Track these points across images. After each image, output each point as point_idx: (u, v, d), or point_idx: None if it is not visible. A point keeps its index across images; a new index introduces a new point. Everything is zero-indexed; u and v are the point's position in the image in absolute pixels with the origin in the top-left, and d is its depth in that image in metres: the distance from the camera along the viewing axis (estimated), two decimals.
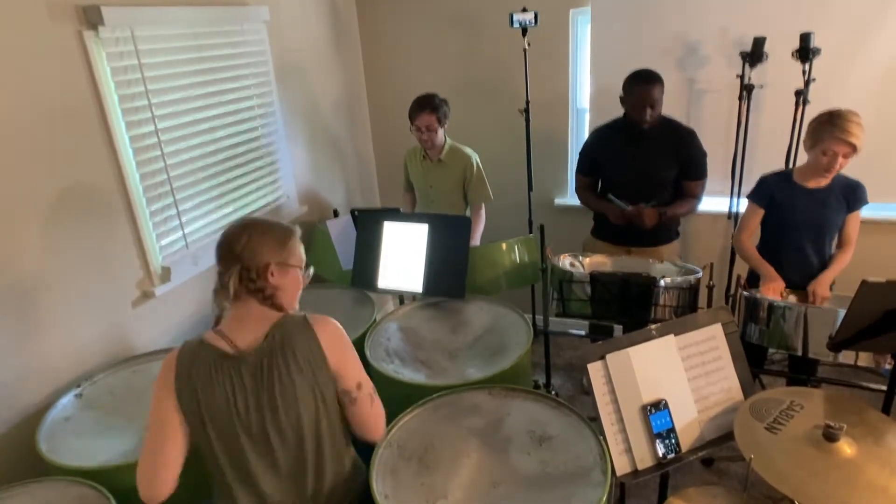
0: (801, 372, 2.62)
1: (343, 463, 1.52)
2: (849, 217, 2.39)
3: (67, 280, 2.03)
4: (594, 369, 1.60)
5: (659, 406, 1.61)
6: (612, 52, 3.15)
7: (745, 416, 1.58)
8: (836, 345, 2.00)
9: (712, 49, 3.01)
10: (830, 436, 1.43)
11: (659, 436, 1.59)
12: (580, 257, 2.60)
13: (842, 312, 2.00)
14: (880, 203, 2.86)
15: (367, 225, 2.62)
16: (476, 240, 3.01)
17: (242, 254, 1.38)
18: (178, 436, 1.36)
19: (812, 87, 2.74)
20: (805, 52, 2.65)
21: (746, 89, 2.88)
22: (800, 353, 2.18)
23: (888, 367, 2.07)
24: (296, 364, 1.37)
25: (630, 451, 1.58)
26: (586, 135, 3.24)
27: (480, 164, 3.03)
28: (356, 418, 1.47)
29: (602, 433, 1.58)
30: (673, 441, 1.61)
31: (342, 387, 1.43)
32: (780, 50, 2.75)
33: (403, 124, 3.00)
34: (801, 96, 2.75)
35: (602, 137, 2.84)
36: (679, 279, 2.27)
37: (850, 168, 2.30)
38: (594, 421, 1.61)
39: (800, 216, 2.39)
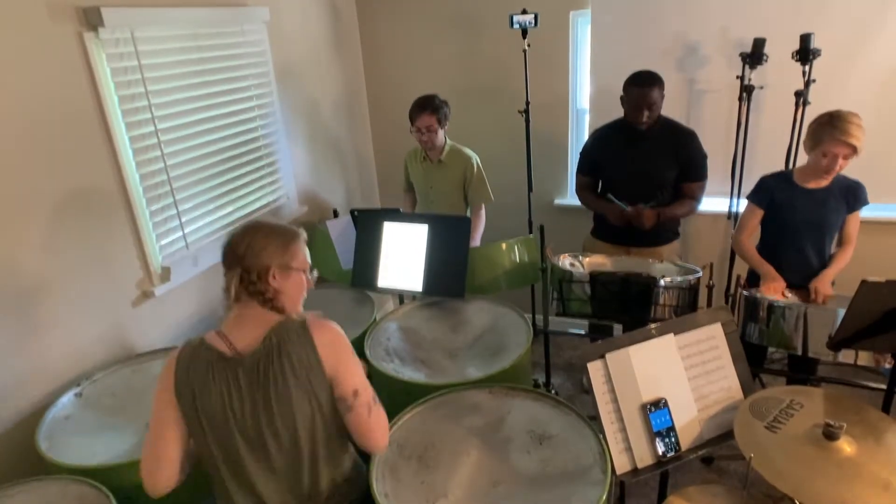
0: (801, 371, 2.62)
1: (341, 464, 1.51)
2: (849, 217, 2.39)
3: (67, 280, 2.03)
4: (594, 368, 1.60)
5: (659, 405, 1.61)
6: (611, 53, 3.15)
7: (745, 415, 1.58)
8: (835, 344, 2.00)
9: (712, 50, 3.01)
10: (830, 434, 1.43)
11: (659, 434, 1.59)
12: (580, 257, 2.60)
13: (841, 312, 2.00)
14: (880, 203, 2.86)
15: (367, 225, 2.62)
16: (476, 240, 3.01)
17: (244, 256, 1.38)
18: (176, 434, 1.37)
19: (812, 88, 2.74)
20: (805, 53, 2.66)
21: (746, 90, 2.88)
22: (799, 352, 2.18)
23: (888, 366, 2.07)
24: (291, 368, 1.36)
25: (630, 449, 1.58)
26: (586, 136, 3.25)
27: (480, 165, 3.03)
28: (353, 427, 1.44)
29: (602, 432, 1.58)
30: (673, 440, 1.61)
31: (338, 393, 1.41)
32: (780, 51, 2.75)
33: (403, 125, 3.00)
34: (801, 97, 2.75)
35: (602, 138, 2.85)
36: (679, 279, 2.27)
37: (851, 169, 2.30)
38: (594, 420, 1.61)
39: (800, 217, 2.39)
